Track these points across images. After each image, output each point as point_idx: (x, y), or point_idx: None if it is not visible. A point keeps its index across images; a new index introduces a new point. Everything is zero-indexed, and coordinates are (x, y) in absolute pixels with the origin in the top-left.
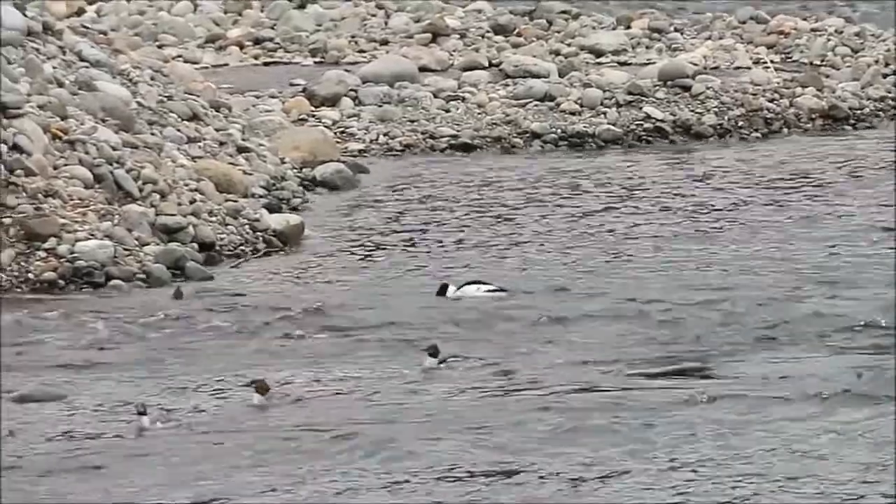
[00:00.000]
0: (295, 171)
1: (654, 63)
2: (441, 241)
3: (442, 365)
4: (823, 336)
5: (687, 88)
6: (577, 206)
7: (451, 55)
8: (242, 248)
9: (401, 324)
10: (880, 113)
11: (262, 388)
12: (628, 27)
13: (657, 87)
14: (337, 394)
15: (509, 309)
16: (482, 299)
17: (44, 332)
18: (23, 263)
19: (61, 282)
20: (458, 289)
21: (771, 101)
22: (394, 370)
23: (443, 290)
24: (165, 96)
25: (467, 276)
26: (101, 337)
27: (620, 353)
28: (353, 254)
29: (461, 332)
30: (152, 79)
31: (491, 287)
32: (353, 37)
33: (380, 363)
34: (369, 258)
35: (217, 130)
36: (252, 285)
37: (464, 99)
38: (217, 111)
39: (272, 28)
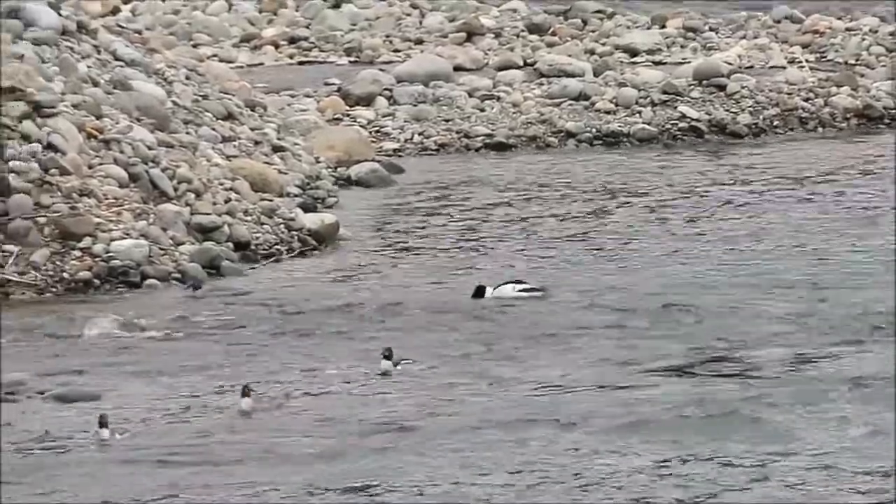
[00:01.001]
0: (330, 170)
1: (688, 62)
2: (477, 240)
3: (398, 367)
4: None
5: (722, 87)
6: (615, 205)
7: (486, 54)
8: (277, 247)
9: (443, 324)
10: None
11: (248, 392)
12: (663, 26)
13: (692, 87)
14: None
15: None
16: (519, 299)
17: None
18: (58, 263)
19: (96, 281)
20: (495, 289)
21: (806, 100)
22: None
23: (480, 293)
24: (200, 95)
25: (507, 274)
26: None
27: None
28: (387, 253)
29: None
30: (187, 78)
31: (527, 286)
32: (387, 36)
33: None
34: (404, 258)
35: (252, 129)
36: (287, 284)
37: (499, 98)
38: (252, 110)
39: (307, 27)
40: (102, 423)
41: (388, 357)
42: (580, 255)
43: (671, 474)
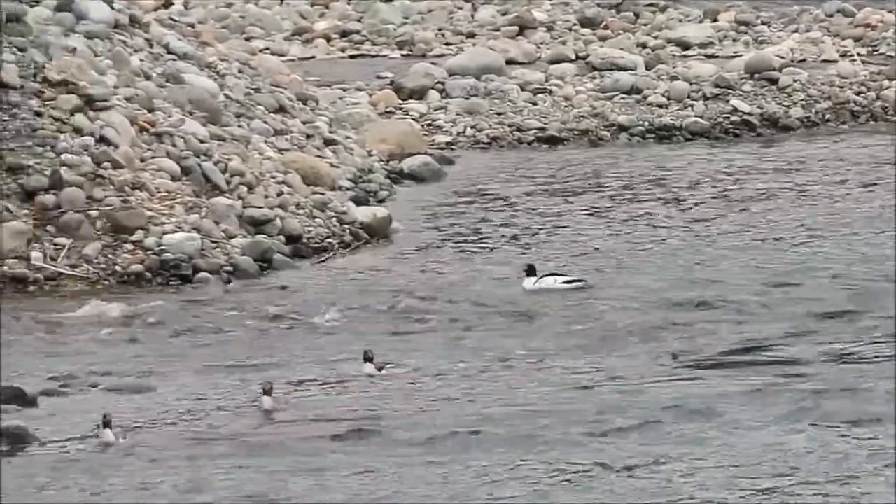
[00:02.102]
0: (382, 163)
1: (740, 56)
2: (528, 233)
3: (383, 371)
4: None
5: (774, 81)
6: (673, 198)
7: (538, 48)
8: (329, 240)
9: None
10: None
11: (269, 390)
12: (715, 20)
13: (744, 80)
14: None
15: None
16: (562, 290)
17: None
18: (110, 256)
19: (148, 274)
20: (538, 281)
21: (858, 93)
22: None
23: (531, 271)
24: (253, 89)
25: (553, 266)
26: None
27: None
28: (439, 246)
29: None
30: (240, 71)
31: (569, 278)
32: (439, 29)
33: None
34: (455, 251)
35: (304, 123)
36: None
37: (551, 92)
38: (304, 104)
39: (359, 21)
40: (106, 424)
41: (369, 360)
42: (630, 248)
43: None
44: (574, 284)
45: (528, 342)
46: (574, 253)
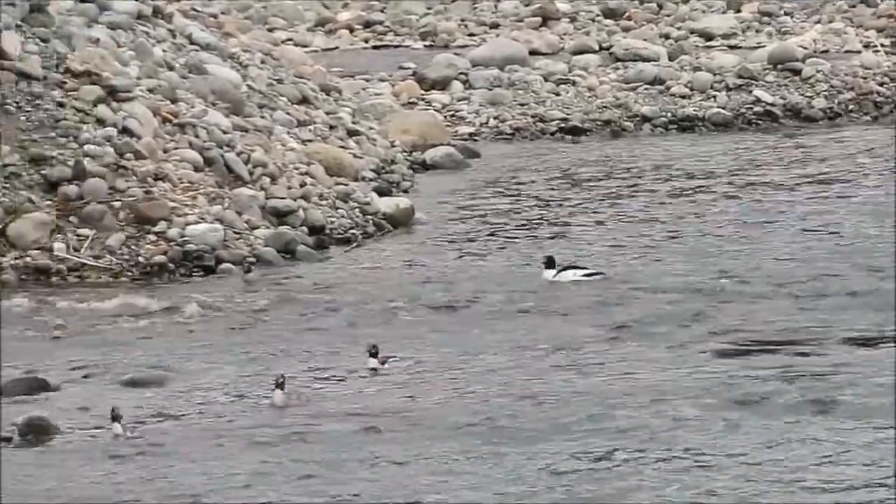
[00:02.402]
0: (405, 154)
1: (763, 46)
2: (551, 224)
3: (385, 365)
4: None
5: (797, 72)
6: (690, 189)
7: (562, 39)
8: (352, 231)
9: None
10: None
11: (282, 384)
12: (738, 10)
13: (767, 71)
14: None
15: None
16: (580, 283)
17: None
18: (133, 247)
19: (171, 265)
20: (557, 273)
21: (881, 84)
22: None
23: (550, 263)
24: (275, 79)
25: (574, 258)
26: None
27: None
28: (463, 237)
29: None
30: (262, 62)
31: (588, 271)
32: (462, 20)
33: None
34: (479, 241)
35: (327, 114)
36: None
37: (574, 82)
38: (327, 94)
39: (382, 11)
40: (115, 418)
41: (373, 354)
42: (652, 240)
43: None
44: (593, 277)
45: (551, 332)
46: (596, 244)
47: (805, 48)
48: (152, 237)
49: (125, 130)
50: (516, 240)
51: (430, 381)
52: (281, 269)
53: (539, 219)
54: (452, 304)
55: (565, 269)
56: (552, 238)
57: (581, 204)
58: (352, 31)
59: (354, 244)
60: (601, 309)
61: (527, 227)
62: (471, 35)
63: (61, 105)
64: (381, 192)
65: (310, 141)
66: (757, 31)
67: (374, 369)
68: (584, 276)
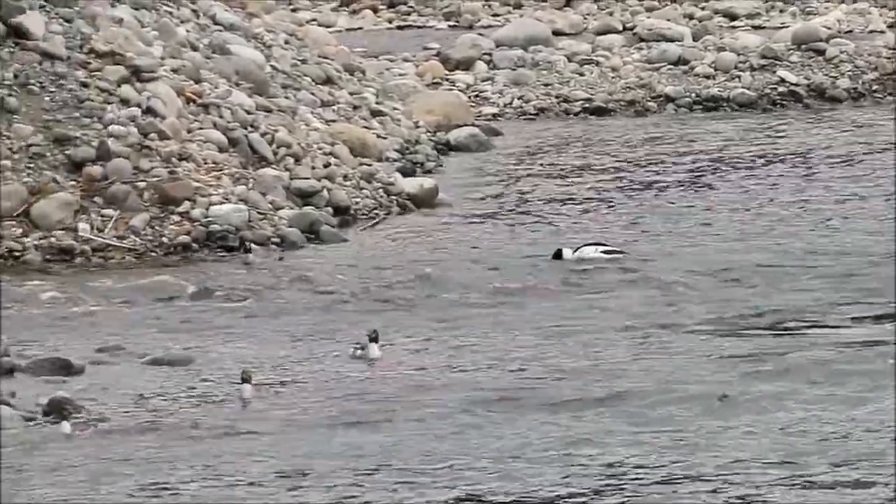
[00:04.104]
0: (429, 134)
1: (788, 27)
2: (575, 204)
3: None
4: None
5: (821, 52)
6: (712, 169)
7: (585, 19)
8: (376, 211)
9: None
10: None
11: (249, 377)
12: None
13: (791, 51)
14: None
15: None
16: (601, 260)
17: None
18: (157, 227)
19: (195, 246)
20: (576, 251)
21: None
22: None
23: (558, 255)
24: (299, 60)
25: (594, 237)
26: None
27: None
28: (486, 217)
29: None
30: (286, 42)
31: (608, 248)
32: (486, 0)
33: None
34: (502, 221)
35: (351, 94)
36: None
37: (598, 63)
38: (351, 75)
39: None
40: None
41: (374, 339)
42: (673, 220)
43: None
44: (613, 255)
45: (577, 311)
46: (619, 223)
47: (829, 28)
48: (176, 218)
49: (149, 111)
50: (540, 219)
51: (433, 365)
52: (291, 251)
53: (563, 198)
54: (473, 284)
55: (585, 245)
56: (576, 216)
57: (604, 183)
58: (376, 11)
59: (374, 222)
60: (623, 288)
61: (550, 207)
62: (495, 15)
63: (85, 85)
64: (405, 173)
65: (334, 121)
66: (781, 11)
67: (360, 357)
68: (605, 252)
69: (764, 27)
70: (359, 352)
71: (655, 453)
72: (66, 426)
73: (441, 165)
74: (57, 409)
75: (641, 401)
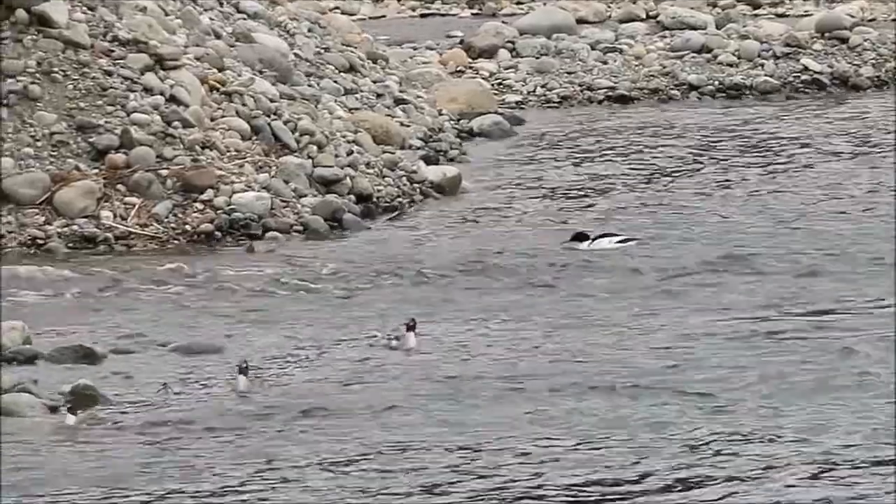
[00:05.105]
0: (452, 122)
1: (811, 15)
2: (598, 193)
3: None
4: None
5: (844, 40)
6: (735, 157)
7: (609, 7)
8: (399, 200)
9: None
10: None
11: (245, 369)
12: None
13: (814, 39)
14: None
15: None
16: (616, 250)
17: None
18: (179, 215)
19: (218, 234)
20: (592, 241)
21: None
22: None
23: (579, 237)
24: (323, 48)
25: (613, 226)
26: None
27: None
28: (510, 205)
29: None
30: (309, 30)
31: (623, 237)
32: None
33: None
34: (526, 210)
35: (374, 82)
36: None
37: (621, 51)
38: (374, 63)
39: None
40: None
41: (411, 328)
42: (695, 209)
43: None
44: (627, 243)
45: (604, 302)
46: (639, 210)
47: (853, 16)
48: (199, 206)
49: (172, 99)
50: (564, 207)
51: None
52: (328, 237)
53: (587, 186)
54: (499, 272)
55: (600, 237)
56: (598, 205)
57: (627, 171)
58: None
59: (397, 212)
60: (635, 274)
61: (573, 194)
62: (518, 3)
63: (108, 73)
64: (429, 161)
65: (357, 109)
66: None
67: (396, 347)
68: (619, 242)
69: (787, 15)
70: (395, 342)
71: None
72: (70, 418)
73: (464, 153)
74: (81, 399)
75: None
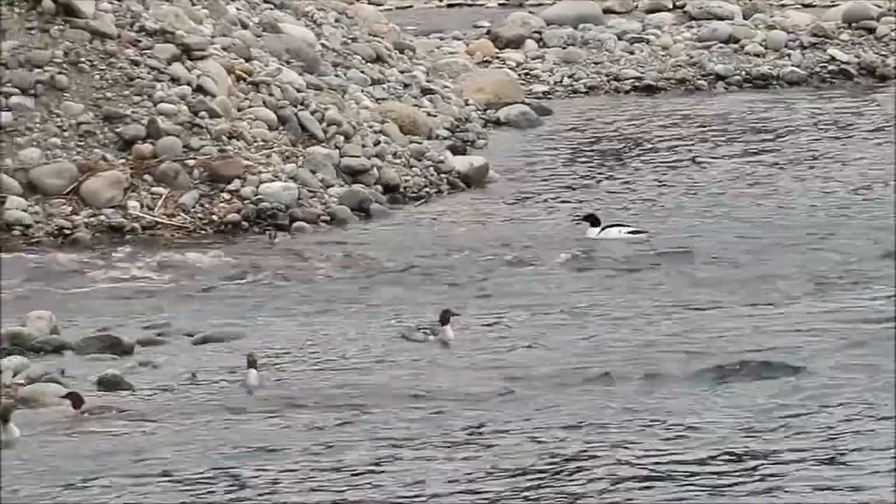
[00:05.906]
0: (479, 112)
1: (838, 5)
2: (624, 183)
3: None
4: None
5: (871, 30)
6: (761, 148)
7: None
8: (426, 189)
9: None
10: None
11: (253, 362)
12: None
13: (841, 29)
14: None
15: None
16: (625, 240)
17: None
18: (206, 205)
19: (245, 224)
20: (601, 231)
21: None
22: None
23: (592, 221)
24: (349, 38)
25: (620, 217)
26: None
27: None
28: (537, 195)
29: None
30: (336, 20)
31: (632, 228)
32: None
33: None
34: (552, 199)
35: (401, 72)
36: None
37: (648, 41)
38: (401, 53)
39: None
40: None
41: (446, 321)
42: (723, 201)
43: None
44: (637, 235)
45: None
46: (659, 202)
47: (879, 6)
48: (226, 196)
49: (199, 89)
50: (590, 198)
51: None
52: (354, 227)
53: (614, 176)
54: (523, 262)
55: (609, 226)
56: (625, 195)
57: (652, 162)
58: None
59: (423, 201)
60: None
61: (599, 184)
62: None
63: (135, 63)
64: (456, 151)
65: (384, 99)
66: None
67: (434, 341)
68: (628, 233)
69: (814, 5)
70: (431, 337)
71: None
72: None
73: (491, 143)
74: (108, 388)
75: None
